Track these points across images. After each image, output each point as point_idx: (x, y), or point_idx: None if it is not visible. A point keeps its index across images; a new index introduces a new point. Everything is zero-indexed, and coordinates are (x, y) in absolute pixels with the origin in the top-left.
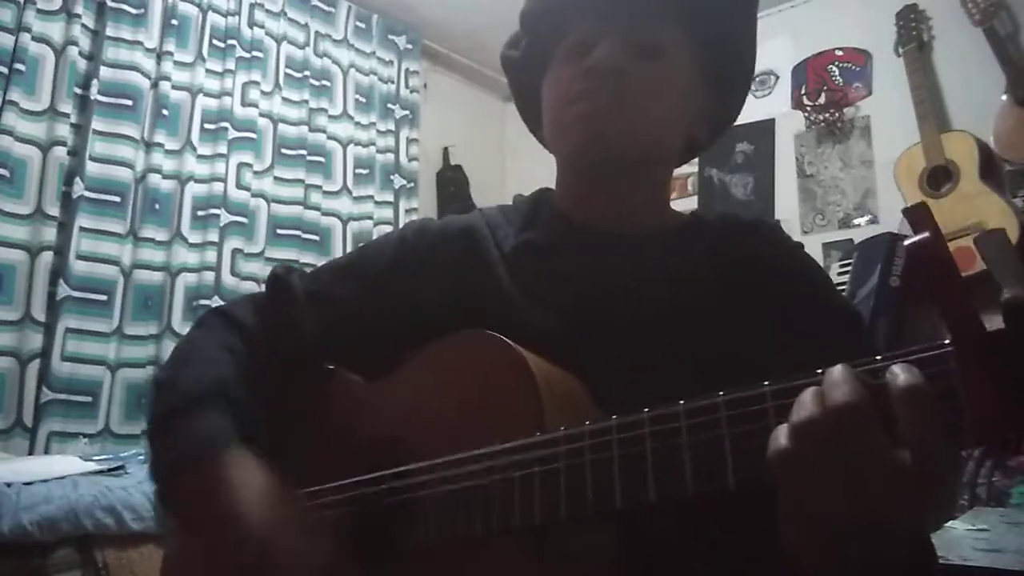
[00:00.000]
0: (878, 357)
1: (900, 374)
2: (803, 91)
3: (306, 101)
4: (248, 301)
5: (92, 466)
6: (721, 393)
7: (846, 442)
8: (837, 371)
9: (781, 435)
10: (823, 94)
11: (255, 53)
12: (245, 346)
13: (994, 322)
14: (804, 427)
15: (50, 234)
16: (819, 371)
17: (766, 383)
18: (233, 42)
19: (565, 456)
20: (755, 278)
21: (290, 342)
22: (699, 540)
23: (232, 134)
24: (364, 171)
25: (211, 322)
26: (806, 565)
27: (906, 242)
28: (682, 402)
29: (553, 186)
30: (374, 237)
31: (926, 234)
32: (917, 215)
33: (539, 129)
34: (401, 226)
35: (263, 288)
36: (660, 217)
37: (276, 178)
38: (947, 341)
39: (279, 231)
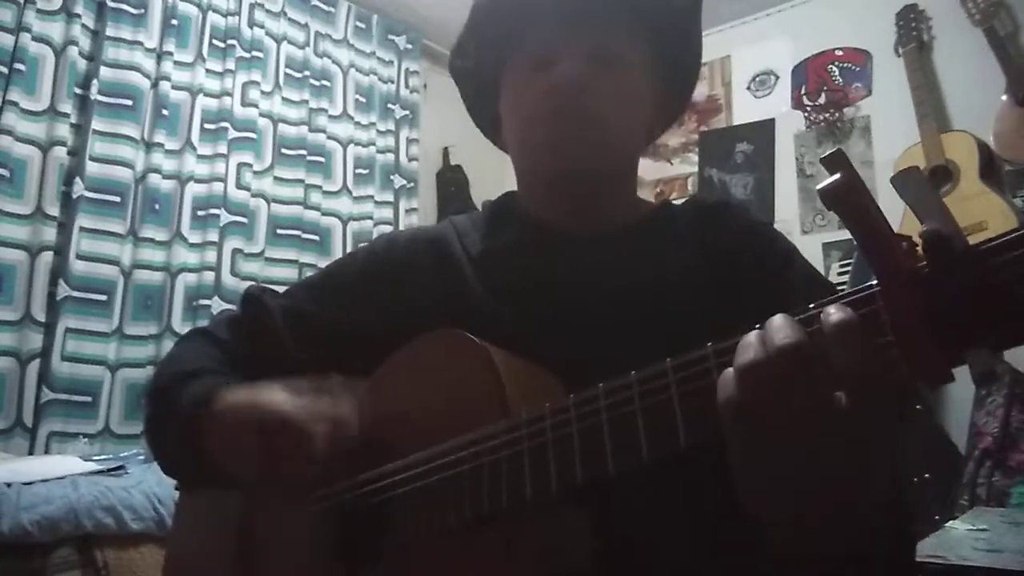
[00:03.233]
0: (811, 305)
1: (832, 312)
2: (803, 91)
3: (306, 101)
4: (225, 321)
5: (92, 466)
6: (668, 359)
7: (791, 382)
8: (777, 318)
9: (728, 380)
10: (823, 94)
11: (255, 53)
12: (227, 359)
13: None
14: (749, 368)
15: (50, 234)
16: (758, 326)
17: (709, 344)
18: (233, 42)
19: (528, 438)
20: (725, 261)
21: (267, 357)
22: (672, 523)
23: (232, 134)
24: (364, 171)
25: (193, 339)
26: (768, 528)
27: (818, 187)
28: (633, 372)
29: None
30: (374, 237)
31: (838, 176)
32: (832, 161)
33: (496, 135)
34: (405, 227)
35: (238, 307)
36: (628, 211)
37: (276, 178)
38: (874, 281)
39: (279, 231)
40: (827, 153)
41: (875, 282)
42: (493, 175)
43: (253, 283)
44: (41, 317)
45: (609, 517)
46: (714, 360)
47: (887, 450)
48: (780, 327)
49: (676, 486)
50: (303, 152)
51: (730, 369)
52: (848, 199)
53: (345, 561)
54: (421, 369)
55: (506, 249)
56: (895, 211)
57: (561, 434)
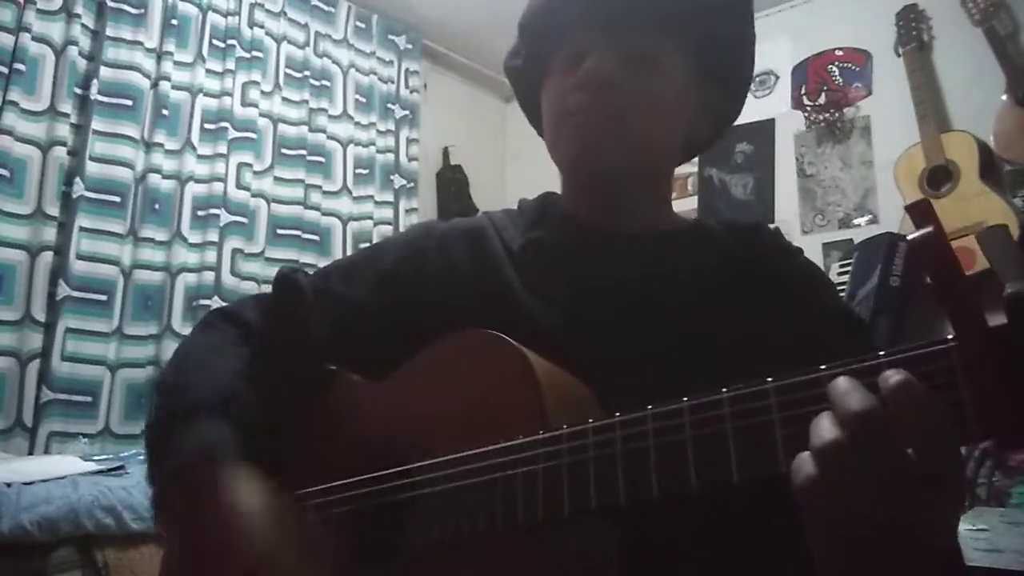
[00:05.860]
0: (881, 353)
1: (893, 376)
2: (803, 91)
3: (306, 101)
4: (252, 301)
5: (92, 466)
6: (724, 389)
7: (870, 452)
8: (841, 383)
9: (806, 464)
10: (823, 94)
11: (255, 53)
12: (250, 348)
13: (996, 318)
14: (828, 449)
15: (50, 234)
16: (822, 367)
17: (769, 379)
18: (233, 42)
19: (568, 453)
20: (757, 280)
21: (297, 341)
22: (702, 544)
23: (232, 134)
24: (364, 171)
25: (215, 324)
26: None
27: (909, 237)
28: (685, 399)
29: (555, 188)
30: (374, 237)
31: (929, 229)
32: (919, 211)
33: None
34: (406, 227)
35: (265, 288)
36: (663, 218)
37: (276, 178)
38: (950, 336)
39: (279, 231)
40: (912, 202)
41: (950, 337)
42: (493, 175)
43: (253, 282)
44: (41, 317)
45: (641, 532)
46: (774, 398)
47: (958, 504)
48: (846, 392)
49: (716, 509)
50: (303, 152)
51: (806, 453)
52: (936, 252)
53: (364, 559)
54: (456, 369)
55: (545, 244)
56: (896, 211)
57: (605, 453)
